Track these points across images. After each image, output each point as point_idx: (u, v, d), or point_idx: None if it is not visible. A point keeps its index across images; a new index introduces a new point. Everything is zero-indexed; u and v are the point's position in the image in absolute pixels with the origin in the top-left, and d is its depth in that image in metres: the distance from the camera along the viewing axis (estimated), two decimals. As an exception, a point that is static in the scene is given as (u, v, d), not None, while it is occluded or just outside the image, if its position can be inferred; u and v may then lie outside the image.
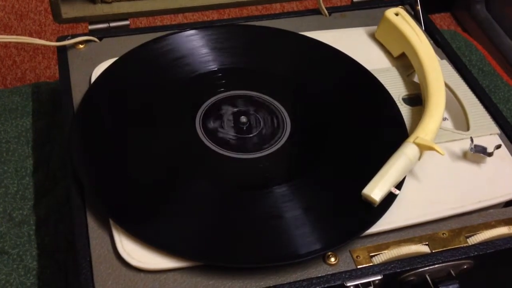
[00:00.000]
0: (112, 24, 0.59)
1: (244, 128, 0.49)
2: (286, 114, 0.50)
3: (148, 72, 0.53)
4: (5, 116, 0.62)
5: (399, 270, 0.40)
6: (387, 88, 0.52)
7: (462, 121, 0.51)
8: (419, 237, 0.43)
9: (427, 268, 0.41)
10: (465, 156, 0.48)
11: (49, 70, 1.14)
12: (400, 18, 0.56)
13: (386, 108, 0.51)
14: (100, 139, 0.47)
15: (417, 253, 0.42)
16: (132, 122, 0.48)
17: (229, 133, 0.48)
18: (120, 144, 0.46)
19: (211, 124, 0.49)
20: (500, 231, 0.43)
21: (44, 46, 1.17)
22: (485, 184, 0.46)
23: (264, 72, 0.54)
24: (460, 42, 0.77)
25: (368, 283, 0.40)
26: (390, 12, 0.57)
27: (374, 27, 0.59)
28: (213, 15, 1.27)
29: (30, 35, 1.20)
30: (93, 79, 0.52)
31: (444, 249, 0.42)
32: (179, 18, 1.25)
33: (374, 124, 0.50)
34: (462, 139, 0.49)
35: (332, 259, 0.41)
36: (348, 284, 0.39)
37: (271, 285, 0.39)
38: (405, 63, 0.56)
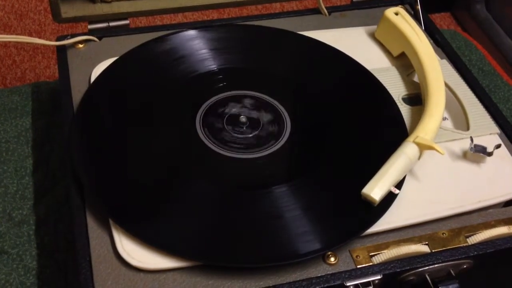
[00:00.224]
0: (112, 24, 0.59)
1: (244, 128, 0.49)
2: (286, 114, 0.50)
3: (148, 71, 0.52)
4: (5, 116, 0.62)
5: (398, 270, 0.40)
6: (387, 87, 0.52)
7: (462, 121, 0.51)
8: (419, 237, 0.43)
9: (427, 267, 0.41)
10: (465, 155, 0.48)
11: (48, 70, 1.14)
12: (400, 18, 0.56)
13: (386, 107, 0.51)
14: (100, 138, 0.46)
15: (417, 253, 0.42)
16: (132, 121, 0.48)
17: (229, 133, 0.48)
18: (120, 144, 0.46)
19: (211, 124, 0.49)
20: (500, 231, 0.43)
21: (44, 45, 1.16)
22: (485, 183, 0.46)
23: (264, 71, 0.54)
24: (460, 41, 0.77)
25: (368, 283, 0.40)
26: (390, 12, 0.57)
27: (374, 27, 0.59)
28: (213, 15, 1.27)
29: (30, 35, 1.20)
30: (92, 78, 0.52)
31: (444, 249, 0.42)
32: (179, 18, 1.25)
33: (374, 123, 0.50)
34: (462, 138, 0.49)
35: (332, 259, 0.41)
36: (348, 284, 0.39)
37: (271, 285, 0.39)
38: (405, 62, 0.56)
